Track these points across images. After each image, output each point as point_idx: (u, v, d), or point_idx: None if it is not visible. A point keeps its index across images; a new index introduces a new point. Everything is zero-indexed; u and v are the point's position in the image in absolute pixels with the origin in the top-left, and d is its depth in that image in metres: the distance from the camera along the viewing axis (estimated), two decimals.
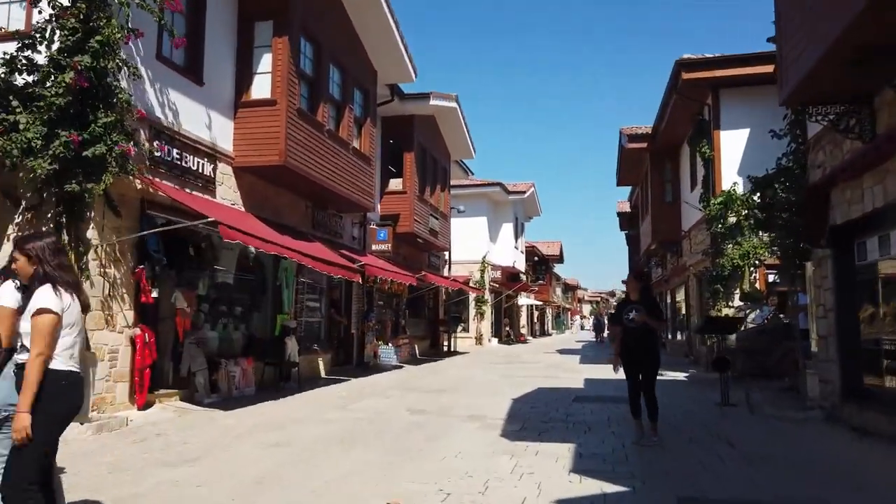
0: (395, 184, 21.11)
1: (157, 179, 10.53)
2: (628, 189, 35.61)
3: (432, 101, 20.90)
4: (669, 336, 27.63)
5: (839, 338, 9.58)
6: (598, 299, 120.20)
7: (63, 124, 8.63)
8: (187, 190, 11.31)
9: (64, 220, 8.93)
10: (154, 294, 10.21)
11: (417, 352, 24.02)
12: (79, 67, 8.56)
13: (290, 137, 12.72)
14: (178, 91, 11.21)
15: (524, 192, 38.00)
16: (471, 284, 31.77)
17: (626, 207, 37.95)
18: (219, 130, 12.35)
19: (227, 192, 12.60)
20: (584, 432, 8.92)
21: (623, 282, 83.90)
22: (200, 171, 11.70)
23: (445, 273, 28.41)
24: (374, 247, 19.38)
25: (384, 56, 17.64)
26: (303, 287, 15.80)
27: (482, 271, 34.63)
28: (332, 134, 14.92)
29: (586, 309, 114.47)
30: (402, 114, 20.84)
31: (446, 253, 28.34)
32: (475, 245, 34.13)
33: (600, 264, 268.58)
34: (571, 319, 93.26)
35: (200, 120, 11.83)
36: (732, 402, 11.31)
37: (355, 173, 16.06)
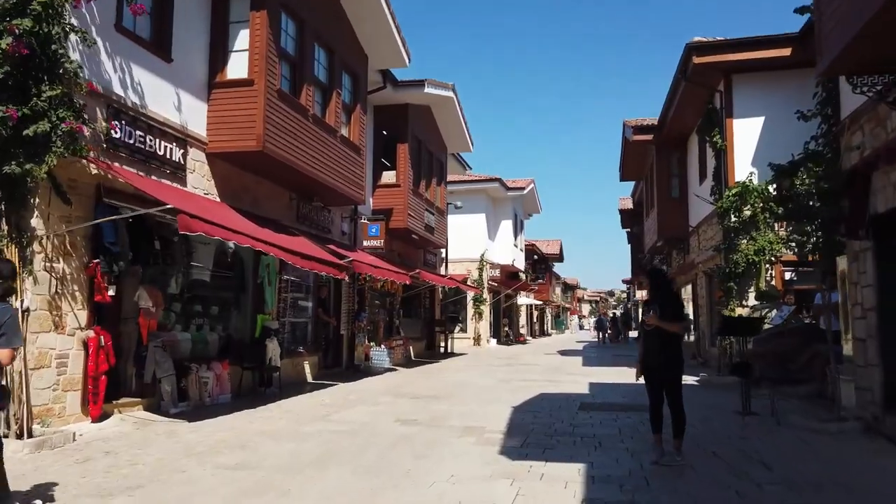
0: (388, 177, 20.00)
1: (117, 164, 9.44)
2: (630, 188, 34.54)
3: (427, 89, 19.76)
4: None
5: (881, 340, 8.49)
6: (598, 299, 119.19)
7: (0, 98, 7.56)
8: (153, 177, 10.23)
9: (3, 207, 7.85)
10: (111, 292, 9.11)
11: (412, 353, 22.93)
12: (17, 31, 7.47)
13: (268, 121, 11.62)
14: (143, 67, 10.11)
15: (524, 189, 36.90)
16: (469, 283, 30.67)
17: (629, 204, 36.83)
18: (190, 112, 11.26)
19: (200, 181, 11.51)
20: (594, 448, 7.84)
21: (624, 281, 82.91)
22: (168, 156, 10.59)
23: (442, 271, 27.32)
24: (365, 243, 18.29)
25: (375, 38, 16.47)
26: (287, 285, 14.69)
27: (480, 270, 33.53)
28: (318, 119, 13.81)
29: (586, 309, 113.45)
30: (395, 103, 19.70)
31: (443, 250, 27.26)
32: (473, 243, 33.03)
33: (600, 263, 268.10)
34: (570, 319, 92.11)
35: (168, 100, 10.74)
36: (754, 411, 10.27)
37: (343, 163, 14.95)
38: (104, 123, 9.12)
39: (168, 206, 8.39)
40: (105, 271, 9.00)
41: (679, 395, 7.26)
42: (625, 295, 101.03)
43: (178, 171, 10.86)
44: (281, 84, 12.26)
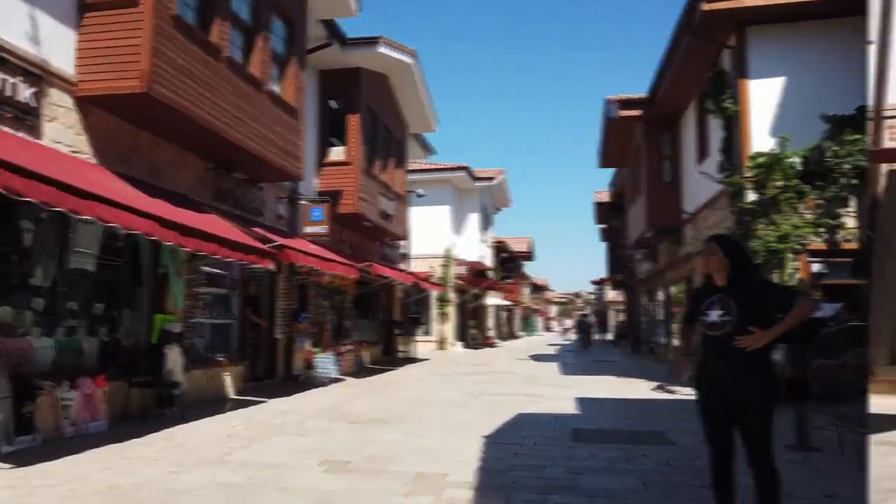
0: (336, 153, 17.05)
1: None
2: (606, 182, 31.99)
3: (382, 49, 16.81)
4: (667, 339, 24.00)
5: None
6: (566, 300, 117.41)
7: None
8: None
9: None
10: None
11: (367, 360, 19.98)
12: None
13: (158, 55, 8.66)
14: None
15: (493, 179, 34.07)
16: (432, 281, 27.75)
17: (606, 197, 34.22)
18: (50, 41, 8.26)
19: (64, 134, 8.50)
20: None
21: (593, 282, 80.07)
22: (11, 95, 7.61)
23: (403, 267, 24.41)
24: (307, 229, 15.32)
25: None
26: (200, 277, 11.65)
27: (445, 266, 30.64)
28: (235, 65, 10.84)
29: (553, 310, 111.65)
30: (345, 66, 16.76)
31: (404, 244, 24.37)
32: (437, 236, 30.13)
33: (566, 265, 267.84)
34: (537, 321, 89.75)
35: (12, 19, 7.74)
36: (815, 446, 7.58)
37: (273, 126, 12.00)
38: None
39: None
40: None
41: (768, 442, 4.25)
42: (593, 297, 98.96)
43: (26, 117, 7.87)
44: (179, 9, 9.30)
